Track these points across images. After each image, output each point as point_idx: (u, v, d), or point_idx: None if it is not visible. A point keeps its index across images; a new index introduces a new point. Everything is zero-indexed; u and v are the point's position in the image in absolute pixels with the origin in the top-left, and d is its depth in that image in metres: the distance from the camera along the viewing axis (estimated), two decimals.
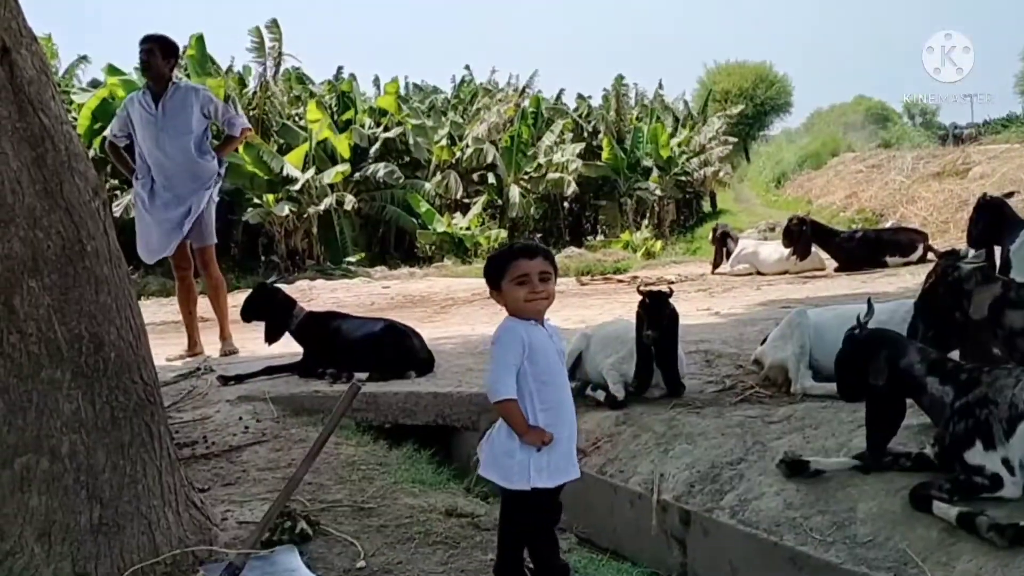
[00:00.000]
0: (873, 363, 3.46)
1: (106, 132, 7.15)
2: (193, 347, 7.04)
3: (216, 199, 6.88)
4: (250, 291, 6.46)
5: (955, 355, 3.78)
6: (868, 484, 3.45)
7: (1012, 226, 5.81)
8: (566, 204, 23.83)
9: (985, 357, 3.74)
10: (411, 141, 20.76)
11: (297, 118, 20.93)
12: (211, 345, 7.16)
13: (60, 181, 2.98)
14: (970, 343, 3.79)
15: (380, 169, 19.56)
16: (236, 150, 7.24)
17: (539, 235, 22.98)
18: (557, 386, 2.82)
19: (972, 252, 4.03)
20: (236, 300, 6.99)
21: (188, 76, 19.47)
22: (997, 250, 5.83)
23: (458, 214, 20.65)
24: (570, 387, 3.02)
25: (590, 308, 9.46)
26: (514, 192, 20.97)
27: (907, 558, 3.07)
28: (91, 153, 13.57)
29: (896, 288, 8.12)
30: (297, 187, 18.29)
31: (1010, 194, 6.50)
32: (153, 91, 6.57)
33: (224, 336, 7.06)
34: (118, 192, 16.91)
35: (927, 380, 3.40)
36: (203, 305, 7.39)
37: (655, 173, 23.43)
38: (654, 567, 3.71)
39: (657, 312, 4.68)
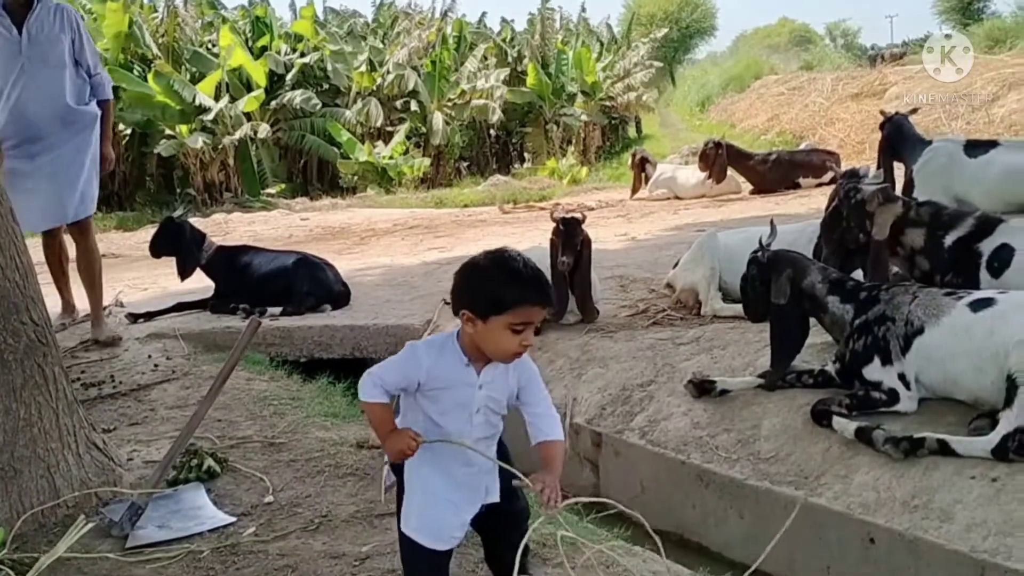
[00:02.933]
0: (776, 283, 3.53)
1: None
2: (70, 310, 5.75)
3: (97, 155, 5.23)
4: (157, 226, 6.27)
5: (859, 275, 3.86)
6: (772, 402, 3.55)
7: (914, 144, 5.91)
8: (492, 132, 23.53)
9: (887, 276, 3.84)
10: (329, 67, 20.13)
11: (210, 45, 20.08)
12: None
13: None
14: (872, 262, 3.87)
15: (297, 97, 18.96)
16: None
17: (465, 163, 22.71)
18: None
19: (872, 171, 4.08)
20: (148, 236, 6.64)
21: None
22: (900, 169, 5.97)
23: (380, 143, 20.19)
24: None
25: (510, 236, 9.43)
26: (437, 119, 20.58)
27: (808, 471, 3.18)
28: None
29: (808, 209, 8.26)
30: (211, 117, 17.64)
31: (913, 111, 6.58)
32: (9, 9, 4.88)
33: (98, 322, 5.51)
34: None
35: (828, 299, 3.49)
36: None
37: (580, 99, 23.22)
38: (567, 489, 3.75)
39: (571, 238, 4.69)
